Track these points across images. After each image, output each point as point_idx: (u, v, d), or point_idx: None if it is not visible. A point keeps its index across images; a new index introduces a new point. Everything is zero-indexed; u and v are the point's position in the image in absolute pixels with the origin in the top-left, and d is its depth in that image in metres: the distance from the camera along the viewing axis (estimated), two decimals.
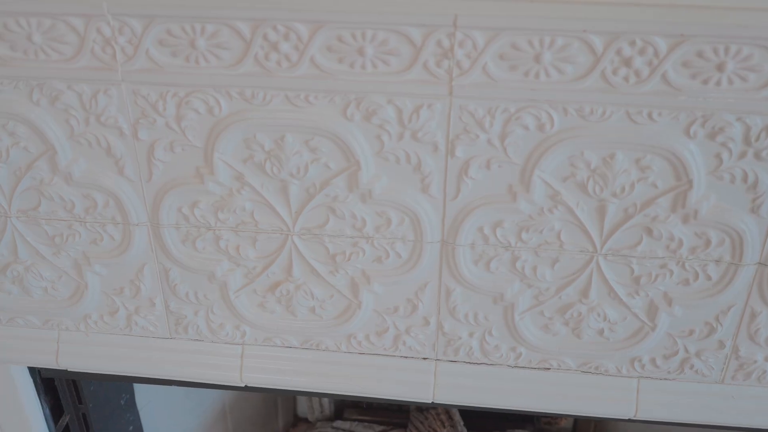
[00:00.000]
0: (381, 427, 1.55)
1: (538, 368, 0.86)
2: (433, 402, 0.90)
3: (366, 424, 1.56)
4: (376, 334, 0.86)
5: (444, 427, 1.39)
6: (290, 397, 1.82)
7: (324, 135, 0.71)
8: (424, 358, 0.88)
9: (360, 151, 0.72)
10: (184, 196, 0.78)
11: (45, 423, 1.07)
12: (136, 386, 1.23)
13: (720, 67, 0.63)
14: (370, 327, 0.85)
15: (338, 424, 1.59)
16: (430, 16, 0.63)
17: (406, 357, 0.88)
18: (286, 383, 0.91)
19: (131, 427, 1.25)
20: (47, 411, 1.07)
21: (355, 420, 1.60)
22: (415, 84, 0.67)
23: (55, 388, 1.07)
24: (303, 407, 1.83)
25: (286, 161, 0.74)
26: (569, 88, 0.66)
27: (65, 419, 1.11)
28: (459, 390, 0.88)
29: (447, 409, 1.43)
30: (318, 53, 0.67)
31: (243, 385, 0.92)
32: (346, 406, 1.67)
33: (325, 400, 1.66)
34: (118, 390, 1.18)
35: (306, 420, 1.80)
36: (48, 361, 0.94)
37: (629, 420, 0.87)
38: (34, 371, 1.01)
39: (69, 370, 0.95)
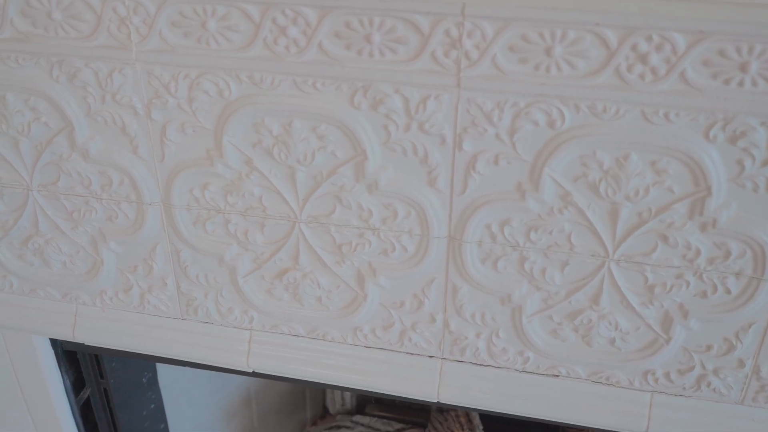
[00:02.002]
0: (399, 425, 1.54)
1: (547, 374, 0.83)
2: (438, 401, 0.88)
3: (385, 420, 1.55)
4: (382, 328, 0.85)
5: (463, 429, 1.37)
6: (319, 389, 1.82)
7: (331, 122, 0.71)
8: (430, 356, 0.86)
9: (367, 140, 0.71)
10: (194, 178, 0.79)
11: (65, 395, 1.10)
12: (159, 365, 1.25)
13: (743, 67, 0.59)
14: (377, 320, 0.84)
15: (357, 418, 1.58)
16: (438, 4, 0.62)
17: (411, 354, 0.86)
18: (292, 372, 0.91)
19: (152, 406, 1.27)
20: (68, 383, 1.10)
21: (375, 416, 1.59)
22: (423, 74, 0.66)
23: (78, 362, 1.10)
24: None
25: (294, 147, 0.73)
26: (581, 83, 0.63)
27: (86, 392, 1.14)
28: (465, 391, 0.86)
29: (467, 411, 1.40)
30: (326, 39, 0.66)
31: (250, 370, 0.93)
32: (368, 402, 1.67)
33: (347, 394, 1.66)
34: (141, 368, 1.20)
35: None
36: (65, 333, 0.97)
37: None
38: (55, 343, 1.04)
39: (85, 343, 0.98)
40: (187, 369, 1.01)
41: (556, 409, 0.84)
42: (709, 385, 0.78)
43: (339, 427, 1.60)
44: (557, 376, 0.83)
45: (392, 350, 0.87)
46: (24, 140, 0.81)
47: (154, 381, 1.26)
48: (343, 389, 0.93)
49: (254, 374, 0.93)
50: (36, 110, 0.78)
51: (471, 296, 0.79)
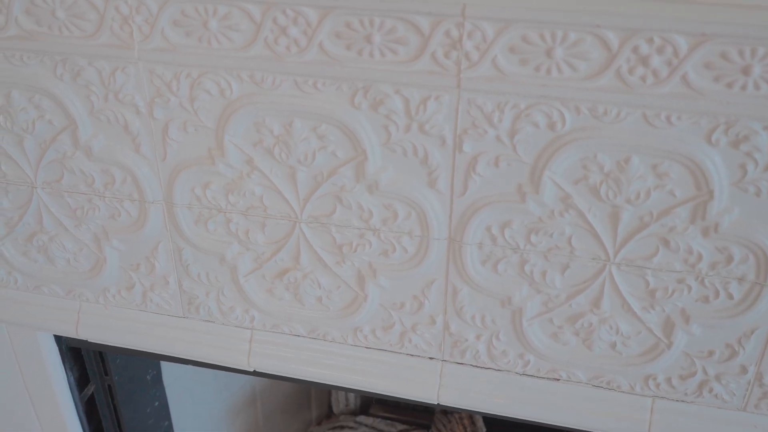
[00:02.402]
0: (403, 426, 1.53)
1: (547, 378, 0.83)
2: (438, 403, 0.88)
3: (388, 421, 1.55)
4: (383, 329, 0.85)
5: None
6: (325, 389, 1.82)
7: (331, 123, 0.71)
8: (431, 358, 0.86)
9: (367, 140, 0.71)
10: (196, 177, 0.79)
11: (69, 391, 1.11)
12: (164, 363, 1.25)
13: (745, 71, 0.58)
14: (377, 321, 0.84)
15: (361, 419, 1.58)
16: (438, 5, 0.61)
17: (411, 355, 0.86)
18: (293, 371, 0.91)
19: (156, 403, 1.28)
20: (72, 380, 1.10)
21: (378, 417, 1.59)
22: (423, 75, 0.66)
23: (82, 358, 1.10)
24: None
25: (294, 147, 0.73)
26: (582, 86, 0.63)
27: (90, 389, 1.14)
28: (465, 393, 0.86)
29: (471, 414, 1.40)
30: (326, 39, 0.66)
31: (251, 369, 0.93)
32: (372, 402, 1.66)
33: (351, 394, 1.66)
34: (145, 365, 1.21)
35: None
36: (68, 330, 0.97)
37: None
38: (59, 339, 1.05)
39: (88, 340, 0.98)
40: (192, 367, 1.02)
41: (557, 412, 0.84)
42: (711, 391, 0.78)
43: (342, 427, 1.60)
44: (558, 379, 0.83)
45: (392, 351, 0.87)
46: (28, 138, 0.82)
47: (158, 378, 1.26)
48: (343, 389, 0.93)
49: (255, 373, 0.93)
50: (40, 108, 0.79)
51: (471, 298, 0.79)
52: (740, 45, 0.57)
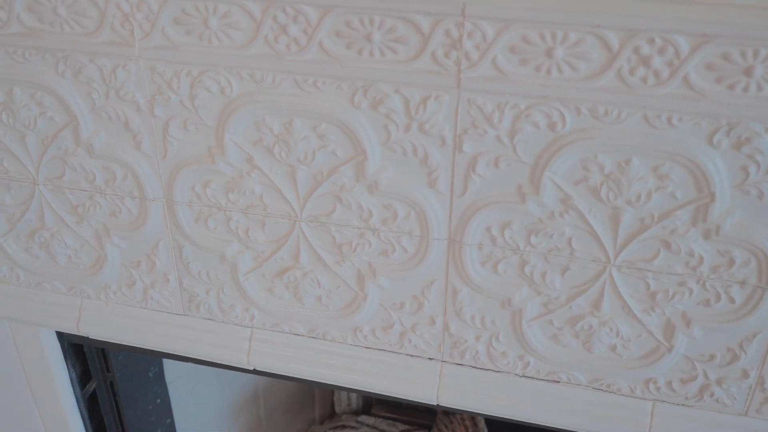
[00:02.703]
0: (404, 426, 1.53)
1: (547, 380, 0.82)
2: (437, 404, 0.87)
3: (390, 422, 1.55)
4: (382, 329, 0.84)
5: None
6: (328, 389, 1.82)
7: (331, 122, 0.71)
8: (430, 359, 0.85)
9: (367, 140, 0.71)
10: (196, 175, 0.79)
11: (71, 387, 1.11)
12: (166, 361, 1.25)
13: (748, 72, 0.58)
14: (376, 321, 0.84)
15: (362, 418, 1.58)
16: (438, 4, 0.61)
17: (411, 355, 0.86)
18: (292, 370, 0.91)
19: (159, 400, 1.28)
20: (74, 376, 1.11)
21: (380, 417, 1.58)
22: (423, 74, 0.65)
23: (84, 355, 1.11)
24: None
25: (294, 146, 0.73)
26: (582, 86, 0.62)
27: (92, 386, 1.15)
28: (464, 394, 0.85)
29: (473, 415, 1.39)
30: (326, 38, 0.66)
31: (251, 368, 0.93)
32: (374, 402, 1.66)
33: (353, 394, 1.66)
34: (147, 362, 1.21)
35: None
36: (70, 326, 0.98)
37: None
38: (61, 336, 1.05)
39: (89, 337, 0.98)
40: (195, 364, 1.02)
41: (556, 415, 0.83)
42: (712, 395, 0.77)
43: (344, 426, 1.60)
44: (558, 381, 0.82)
45: (392, 351, 0.86)
46: (30, 134, 0.82)
47: (160, 376, 1.26)
48: (342, 389, 0.93)
49: (255, 372, 0.93)
50: (42, 105, 0.79)
51: (471, 299, 0.78)
52: (742, 46, 0.57)
